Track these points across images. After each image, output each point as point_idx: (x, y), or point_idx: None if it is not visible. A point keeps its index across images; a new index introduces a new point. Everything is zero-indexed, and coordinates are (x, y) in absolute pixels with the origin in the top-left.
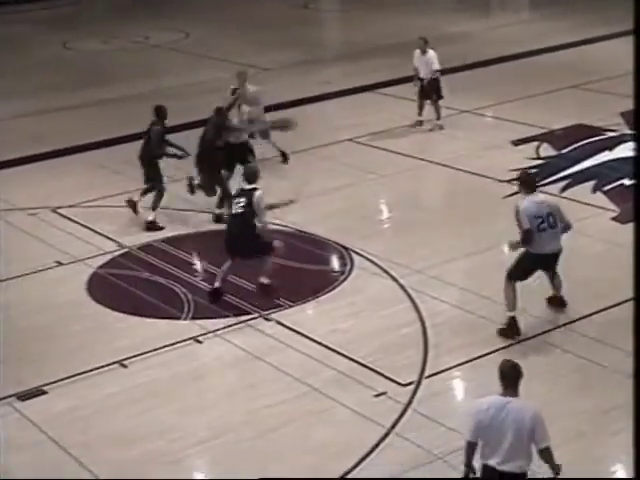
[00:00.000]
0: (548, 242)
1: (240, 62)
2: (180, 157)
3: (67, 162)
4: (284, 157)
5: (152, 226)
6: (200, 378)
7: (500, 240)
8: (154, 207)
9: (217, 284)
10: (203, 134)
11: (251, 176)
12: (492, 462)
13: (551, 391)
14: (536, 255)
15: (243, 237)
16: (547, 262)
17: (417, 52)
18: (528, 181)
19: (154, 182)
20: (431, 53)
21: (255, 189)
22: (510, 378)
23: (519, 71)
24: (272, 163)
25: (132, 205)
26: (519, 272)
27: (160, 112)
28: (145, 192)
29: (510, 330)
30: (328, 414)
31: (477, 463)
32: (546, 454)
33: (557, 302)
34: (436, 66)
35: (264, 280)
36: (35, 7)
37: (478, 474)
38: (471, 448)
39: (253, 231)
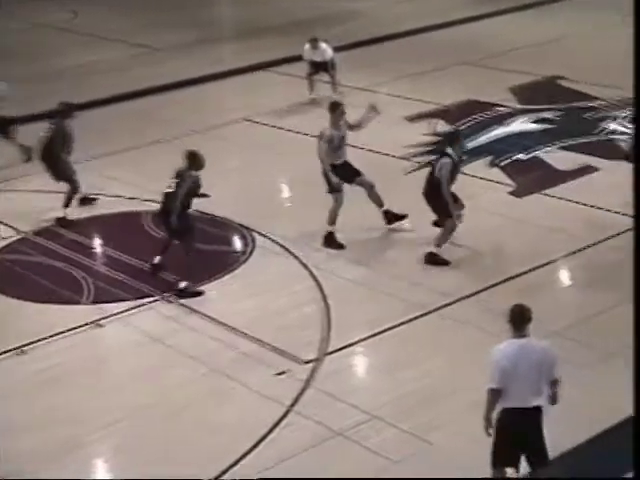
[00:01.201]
0: None
1: (133, 42)
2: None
3: None
4: None
5: (64, 222)
6: (102, 362)
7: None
8: (66, 204)
9: (156, 260)
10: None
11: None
12: (516, 403)
13: (454, 363)
14: None
15: (165, 215)
16: None
17: (307, 46)
18: None
19: (65, 179)
20: (323, 45)
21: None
22: (523, 320)
23: (411, 48)
24: (176, 144)
25: (66, 223)
26: None
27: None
28: (67, 203)
29: None
30: (230, 394)
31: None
32: (556, 383)
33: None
34: (330, 53)
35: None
36: None
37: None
38: (497, 396)
39: (176, 211)
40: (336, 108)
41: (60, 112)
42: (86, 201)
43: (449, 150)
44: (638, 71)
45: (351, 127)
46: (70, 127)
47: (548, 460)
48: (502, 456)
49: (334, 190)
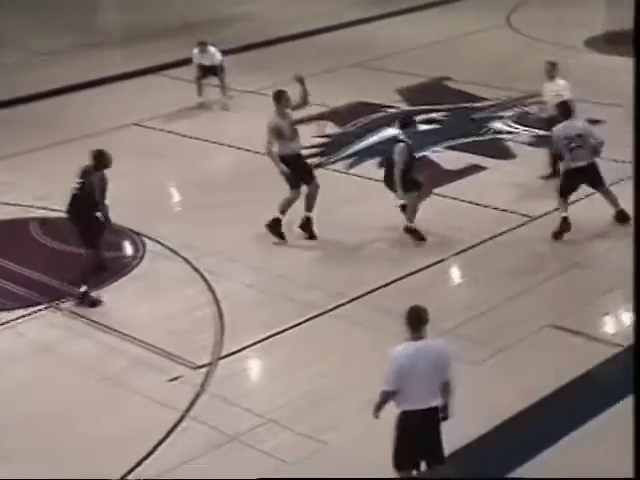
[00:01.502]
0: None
1: (15, 46)
2: None
3: None
4: None
5: None
6: None
7: (289, 219)
8: None
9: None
10: None
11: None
12: (415, 405)
13: (348, 364)
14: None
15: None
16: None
17: (196, 50)
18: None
19: None
20: (212, 49)
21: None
22: (419, 322)
23: (300, 51)
24: (64, 149)
25: None
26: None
27: None
28: None
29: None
30: (123, 401)
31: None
32: (449, 386)
33: (621, 216)
34: (219, 57)
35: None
36: None
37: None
38: (389, 398)
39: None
40: (281, 96)
41: None
42: None
43: (402, 136)
44: (638, 74)
45: (296, 107)
46: None
47: (444, 460)
48: (405, 458)
49: (294, 186)
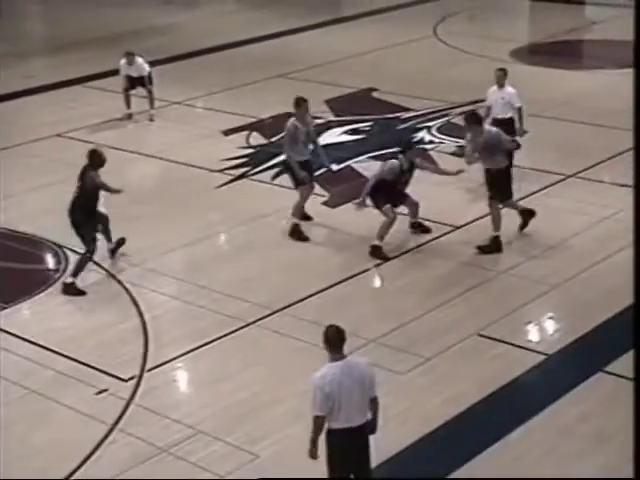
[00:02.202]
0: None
1: None
2: None
3: None
4: None
5: None
6: None
7: (213, 230)
8: None
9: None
10: None
11: None
12: (343, 424)
13: (275, 374)
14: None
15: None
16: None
17: (123, 61)
18: None
19: None
20: (139, 60)
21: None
22: (337, 341)
23: (226, 62)
24: None
25: None
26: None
27: None
28: None
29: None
30: (49, 415)
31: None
32: (376, 402)
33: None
34: (147, 68)
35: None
36: None
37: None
38: (322, 422)
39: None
40: (302, 103)
41: None
42: None
43: (400, 155)
44: (638, 78)
45: None
46: None
47: (371, 474)
48: (337, 475)
49: (299, 184)
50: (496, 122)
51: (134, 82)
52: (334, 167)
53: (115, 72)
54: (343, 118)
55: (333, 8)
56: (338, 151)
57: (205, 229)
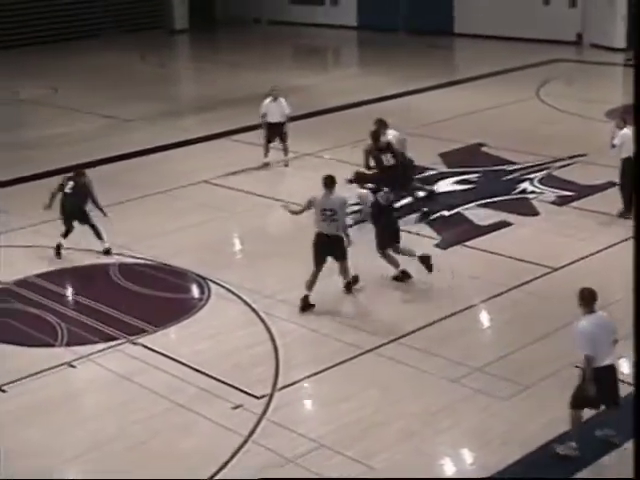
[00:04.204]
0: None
1: (103, 114)
2: None
3: None
4: None
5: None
6: (75, 398)
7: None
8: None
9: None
10: None
11: None
12: (605, 362)
13: (388, 397)
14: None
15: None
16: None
17: (267, 100)
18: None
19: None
20: (282, 100)
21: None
22: (593, 299)
23: (351, 118)
24: (142, 203)
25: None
26: None
27: None
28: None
29: None
30: (192, 426)
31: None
32: (616, 342)
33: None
34: (288, 110)
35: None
36: None
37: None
38: (593, 360)
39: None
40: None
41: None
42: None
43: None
44: (638, 77)
45: None
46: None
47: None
48: (587, 402)
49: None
50: None
51: (274, 130)
52: (446, 213)
53: (255, 127)
54: (454, 169)
55: (450, 71)
56: (449, 199)
57: (329, 266)
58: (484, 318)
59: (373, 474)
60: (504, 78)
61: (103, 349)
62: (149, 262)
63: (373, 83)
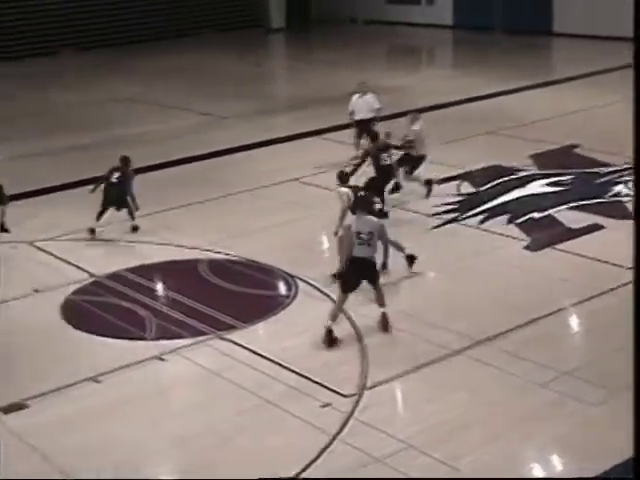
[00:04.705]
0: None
1: (200, 111)
2: None
3: (42, 201)
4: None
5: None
6: (164, 392)
7: (427, 266)
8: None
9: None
10: None
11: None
12: None
13: (475, 399)
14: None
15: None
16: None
17: (355, 97)
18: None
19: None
20: (370, 95)
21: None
22: None
23: (443, 118)
24: (232, 200)
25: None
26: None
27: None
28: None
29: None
30: (280, 423)
31: None
32: None
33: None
34: (377, 105)
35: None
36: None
37: None
38: None
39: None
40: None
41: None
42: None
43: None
44: (638, 74)
45: None
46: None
47: None
48: None
49: None
50: None
51: (362, 127)
52: (536, 215)
53: (345, 127)
54: (546, 171)
55: (545, 72)
56: (540, 201)
57: (419, 265)
58: (574, 322)
59: (459, 475)
60: (600, 79)
61: (192, 344)
62: (238, 259)
63: (467, 83)
